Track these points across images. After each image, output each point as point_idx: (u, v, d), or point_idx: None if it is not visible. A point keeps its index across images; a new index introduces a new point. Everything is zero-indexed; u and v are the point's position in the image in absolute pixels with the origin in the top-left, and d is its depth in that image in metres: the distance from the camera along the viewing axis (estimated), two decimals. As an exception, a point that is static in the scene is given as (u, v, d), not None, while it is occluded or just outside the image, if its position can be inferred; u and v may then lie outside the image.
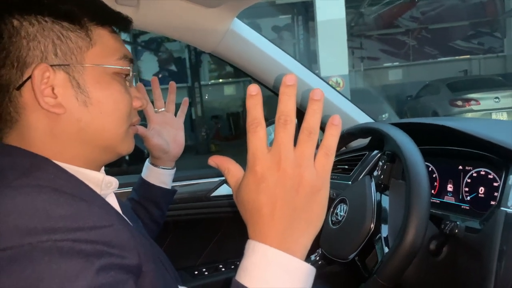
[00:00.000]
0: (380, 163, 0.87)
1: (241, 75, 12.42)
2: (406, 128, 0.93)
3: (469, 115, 7.74)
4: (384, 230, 0.82)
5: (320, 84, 1.29)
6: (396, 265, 0.72)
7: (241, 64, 1.20)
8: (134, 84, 0.67)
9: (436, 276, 0.86)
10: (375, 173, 0.89)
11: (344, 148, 1.07)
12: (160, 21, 1.03)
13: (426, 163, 1.10)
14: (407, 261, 0.72)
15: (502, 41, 12.43)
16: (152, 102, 0.96)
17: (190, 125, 10.91)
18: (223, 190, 1.35)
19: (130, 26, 0.65)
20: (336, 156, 1.34)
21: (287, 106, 0.43)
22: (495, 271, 0.74)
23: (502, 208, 0.77)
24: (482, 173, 0.94)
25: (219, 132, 11.24)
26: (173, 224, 1.38)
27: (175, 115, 0.99)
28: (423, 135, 1.04)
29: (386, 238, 0.80)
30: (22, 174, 0.50)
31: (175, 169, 0.99)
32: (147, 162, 0.97)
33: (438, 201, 1.05)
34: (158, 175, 0.95)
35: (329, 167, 0.46)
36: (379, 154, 1.01)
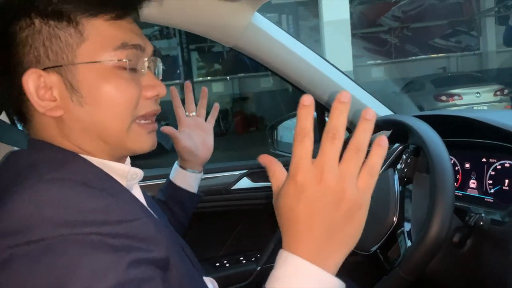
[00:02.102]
0: (404, 156, 0.87)
1: (229, 72, 12.66)
2: (429, 120, 0.92)
3: (453, 109, 8.03)
4: (407, 224, 0.82)
5: (343, 79, 1.29)
6: (419, 259, 0.72)
7: (262, 58, 1.20)
8: (156, 71, 0.63)
9: (460, 268, 0.86)
10: (398, 166, 0.89)
11: None
12: (183, 16, 1.04)
13: (449, 156, 1.09)
14: (431, 255, 0.72)
15: (478, 39, 13.15)
16: (184, 106, 0.97)
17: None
18: (244, 183, 1.36)
19: (140, 5, 0.60)
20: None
21: (338, 120, 0.43)
22: None
23: None
24: (507, 165, 0.93)
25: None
26: (195, 216, 1.40)
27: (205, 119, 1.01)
28: (446, 128, 1.03)
29: (409, 232, 0.80)
30: (54, 168, 0.51)
31: (202, 173, 1.00)
32: (175, 164, 0.98)
33: (461, 194, 1.04)
34: (185, 178, 0.96)
35: (372, 186, 0.45)
36: (400, 147, 1.00)
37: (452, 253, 0.87)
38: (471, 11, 13.10)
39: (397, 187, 0.84)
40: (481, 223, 0.77)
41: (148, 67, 0.61)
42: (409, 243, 0.81)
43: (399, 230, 0.83)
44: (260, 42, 1.15)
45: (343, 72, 1.32)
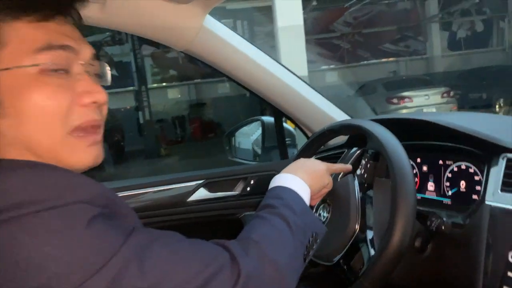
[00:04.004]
0: (363, 162, 0.85)
1: (185, 78, 12.61)
2: (386, 124, 0.91)
3: (404, 111, 8.78)
4: (370, 231, 0.80)
5: (300, 84, 1.27)
6: (382, 268, 0.70)
7: (215, 63, 1.16)
8: (100, 76, 0.59)
9: (423, 273, 0.84)
10: (358, 172, 0.87)
11: (322, 146, 1.04)
12: (129, 18, 0.98)
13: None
14: (394, 263, 0.70)
15: (425, 44, 13.97)
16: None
17: (138, 129, 10.97)
18: (201, 194, 1.30)
19: (70, 6, 0.55)
20: (315, 155, 1.32)
21: None
22: (483, 263, 0.74)
23: (486, 203, 0.76)
24: (463, 167, 0.94)
25: (165, 136, 11.20)
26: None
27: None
28: (403, 131, 1.03)
29: (372, 240, 0.78)
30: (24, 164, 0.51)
31: None
32: None
33: (420, 197, 1.04)
34: None
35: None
36: (358, 151, 0.99)
37: (414, 257, 0.85)
38: (418, 17, 13.82)
39: (357, 193, 0.82)
40: (443, 227, 0.76)
41: (86, 71, 0.55)
42: (372, 252, 0.79)
43: (362, 238, 0.81)
44: (213, 46, 1.11)
45: (299, 77, 1.30)
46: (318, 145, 0.99)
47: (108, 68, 0.60)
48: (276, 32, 7.68)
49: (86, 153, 0.55)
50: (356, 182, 0.84)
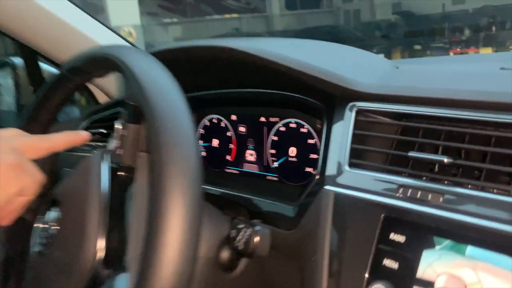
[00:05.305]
0: (118, 126, 0.44)
1: None
2: (168, 58, 0.53)
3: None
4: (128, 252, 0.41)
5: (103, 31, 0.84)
6: None
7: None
8: None
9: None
10: (110, 145, 0.46)
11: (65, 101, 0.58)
12: None
13: (212, 116, 0.74)
14: None
15: (265, 2, 14.14)
16: None
17: None
18: None
19: None
20: (86, 117, 0.87)
21: None
22: (326, 274, 0.43)
23: (327, 187, 0.44)
24: (292, 125, 0.62)
25: None
26: None
27: None
28: (207, 71, 0.66)
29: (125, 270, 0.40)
30: None
31: None
32: None
33: (237, 171, 0.70)
34: None
35: None
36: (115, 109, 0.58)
37: (218, 277, 0.51)
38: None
39: (103, 188, 0.42)
40: (255, 248, 0.42)
41: None
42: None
43: (118, 265, 0.42)
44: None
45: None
46: (60, 98, 0.55)
47: None
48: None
49: None
50: (106, 166, 0.43)
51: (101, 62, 0.47)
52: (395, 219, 0.39)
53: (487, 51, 6.85)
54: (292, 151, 0.63)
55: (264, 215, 0.53)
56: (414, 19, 8.74)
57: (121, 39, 0.96)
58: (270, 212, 0.53)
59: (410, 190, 0.39)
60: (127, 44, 0.97)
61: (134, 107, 0.43)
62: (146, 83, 0.39)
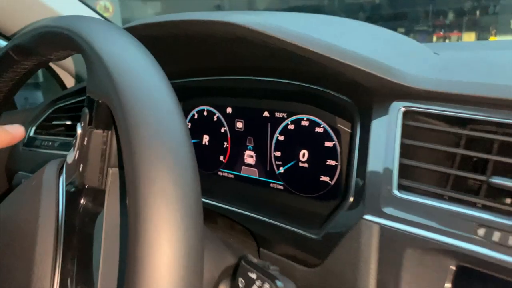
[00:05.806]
0: (80, 132, 0.31)
1: None
2: (151, 38, 0.40)
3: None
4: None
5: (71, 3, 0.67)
6: None
7: None
8: None
9: None
10: (69, 156, 0.33)
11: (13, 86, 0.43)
12: None
13: (203, 107, 0.61)
14: None
15: None
16: None
17: None
18: None
19: None
20: (50, 104, 0.72)
21: None
22: None
23: (369, 217, 0.33)
24: (304, 123, 0.50)
25: None
26: None
27: None
28: (193, 56, 0.53)
29: None
30: None
31: None
32: None
33: (232, 175, 0.58)
34: None
35: None
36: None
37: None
38: None
39: (60, 218, 0.29)
40: None
41: None
42: None
43: None
44: None
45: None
46: (7, 84, 0.41)
47: None
48: None
49: None
50: (61, 187, 0.30)
51: (56, 40, 0.33)
52: (473, 271, 0.28)
53: (470, 35, 6.85)
54: (303, 154, 0.51)
55: (274, 242, 0.41)
56: (398, 1, 8.67)
57: (94, 13, 0.81)
58: (283, 238, 0.42)
59: (494, 231, 0.28)
60: (96, 16, 0.82)
61: (101, 106, 0.30)
62: (118, 70, 0.26)
